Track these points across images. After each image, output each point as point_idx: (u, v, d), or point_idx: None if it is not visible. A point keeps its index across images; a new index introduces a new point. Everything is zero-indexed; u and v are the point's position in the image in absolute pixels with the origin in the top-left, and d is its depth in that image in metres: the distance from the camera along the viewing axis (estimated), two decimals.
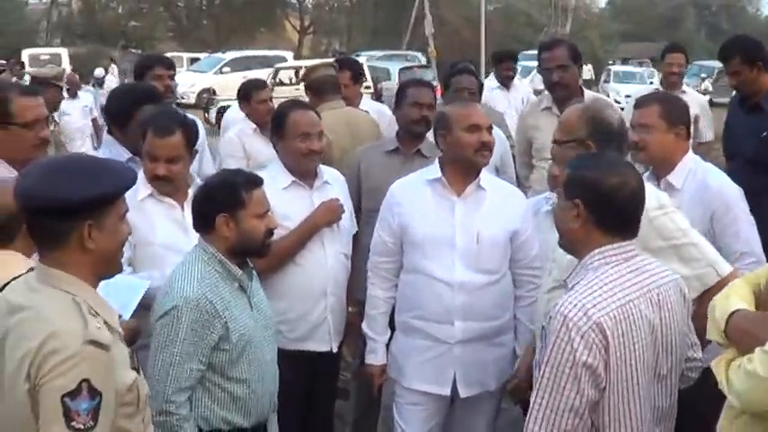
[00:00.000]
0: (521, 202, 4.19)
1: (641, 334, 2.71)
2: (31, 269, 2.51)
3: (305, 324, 4.18)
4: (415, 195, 4.02)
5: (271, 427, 3.55)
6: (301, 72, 11.45)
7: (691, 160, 3.97)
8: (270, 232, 3.49)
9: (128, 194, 2.48)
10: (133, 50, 45.11)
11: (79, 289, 2.36)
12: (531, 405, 2.69)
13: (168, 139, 3.85)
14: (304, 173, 4.27)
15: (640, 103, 4.06)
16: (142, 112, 4.28)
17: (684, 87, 7.31)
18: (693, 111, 5.66)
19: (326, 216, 4.24)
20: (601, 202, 2.77)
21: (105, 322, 2.36)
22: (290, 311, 4.12)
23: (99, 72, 21.46)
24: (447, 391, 3.99)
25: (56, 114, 9.78)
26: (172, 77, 5.60)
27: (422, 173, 4.11)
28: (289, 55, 36.22)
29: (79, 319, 2.28)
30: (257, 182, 3.47)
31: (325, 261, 4.24)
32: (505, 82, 9.01)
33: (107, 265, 2.47)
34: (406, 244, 4.02)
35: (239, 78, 12.71)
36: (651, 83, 28.93)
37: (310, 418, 4.33)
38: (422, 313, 3.95)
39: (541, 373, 2.66)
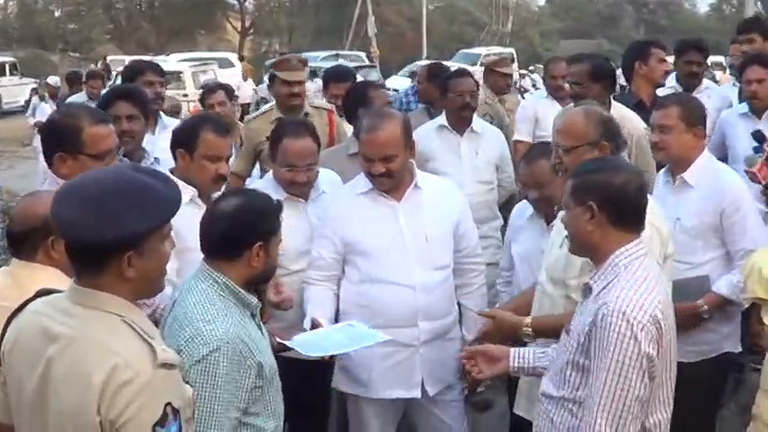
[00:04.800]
0: (457, 194, 4.24)
1: (672, 321, 2.89)
2: (49, 291, 2.43)
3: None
4: (356, 208, 4.00)
5: None
6: None
7: (706, 159, 4.13)
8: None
9: None
10: (72, 54, 44.51)
11: (125, 309, 2.25)
12: (594, 402, 2.75)
13: (227, 139, 3.87)
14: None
15: (660, 104, 4.21)
16: (114, 108, 4.36)
17: (706, 83, 6.82)
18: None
19: None
20: (614, 201, 2.86)
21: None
22: (289, 316, 4.04)
23: (54, 80, 16.75)
24: (418, 394, 4.02)
25: None
26: (162, 84, 5.52)
27: (351, 187, 4.10)
28: (232, 56, 35.96)
29: (142, 343, 2.20)
30: (281, 204, 3.18)
31: None
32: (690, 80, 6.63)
33: (149, 287, 2.37)
34: (356, 255, 3.99)
35: None
36: None
37: (301, 425, 4.24)
38: (384, 320, 3.90)
39: (606, 369, 2.73)
